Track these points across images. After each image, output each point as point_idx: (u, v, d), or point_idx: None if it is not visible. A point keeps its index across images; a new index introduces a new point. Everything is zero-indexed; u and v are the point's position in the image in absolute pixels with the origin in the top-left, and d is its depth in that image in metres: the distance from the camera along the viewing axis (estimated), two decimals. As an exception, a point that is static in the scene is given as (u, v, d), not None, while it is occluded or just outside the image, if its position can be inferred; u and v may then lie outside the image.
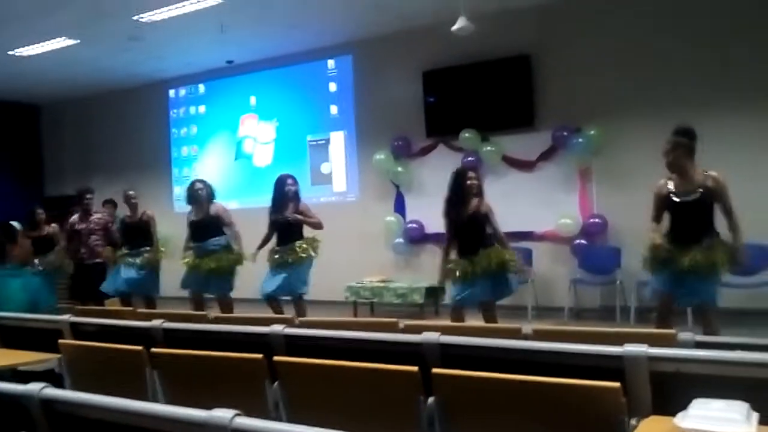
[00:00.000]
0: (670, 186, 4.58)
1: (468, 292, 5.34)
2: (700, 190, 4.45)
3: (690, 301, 4.73)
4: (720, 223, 4.49)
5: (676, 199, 4.55)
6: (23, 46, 8.68)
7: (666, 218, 4.66)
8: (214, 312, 5.57)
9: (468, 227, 5.42)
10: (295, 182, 6.61)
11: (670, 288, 4.57)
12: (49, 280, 6.67)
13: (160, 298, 7.58)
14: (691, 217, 4.52)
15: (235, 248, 6.75)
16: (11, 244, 3.85)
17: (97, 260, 7.58)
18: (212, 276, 6.66)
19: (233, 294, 6.85)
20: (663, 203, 4.63)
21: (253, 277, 6.61)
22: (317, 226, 6.56)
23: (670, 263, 4.54)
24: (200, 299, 6.85)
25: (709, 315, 4.48)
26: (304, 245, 6.47)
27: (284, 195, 6.50)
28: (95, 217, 7.69)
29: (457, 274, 5.39)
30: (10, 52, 8.86)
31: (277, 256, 6.45)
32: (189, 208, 7.05)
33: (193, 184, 7.00)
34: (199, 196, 6.83)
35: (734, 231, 4.42)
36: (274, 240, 6.60)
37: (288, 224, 6.46)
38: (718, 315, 4.50)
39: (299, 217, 6.49)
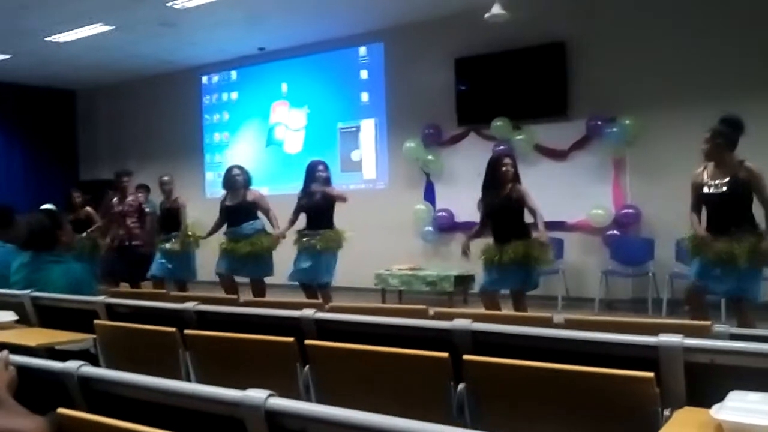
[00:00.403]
0: (705, 175, 4.51)
1: (495, 279, 5.33)
2: (731, 180, 4.36)
3: (720, 292, 4.66)
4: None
5: (707, 190, 4.47)
6: (59, 33, 8.81)
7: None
8: (246, 296, 5.62)
9: (500, 214, 5.40)
10: (326, 169, 6.64)
11: (700, 278, 4.51)
12: (88, 264, 6.78)
13: (195, 282, 7.68)
14: (721, 208, 4.44)
15: (273, 232, 6.81)
16: (59, 230, 3.87)
17: (135, 242, 7.69)
18: (249, 259, 6.74)
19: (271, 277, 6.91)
20: (697, 192, 4.56)
21: (284, 263, 6.67)
22: (341, 197, 6.56)
23: (702, 253, 4.48)
24: (231, 282, 6.91)
25: (744, 308, 4.40)
26: (333, 235, 6.49)
27: (315, 181, 6.53)
28: (129, 199, 7.82)
29: (485, 259, 5.40)
30: (47, 39, 8.99)
31: (305, 239, 6.49)
32: (220, 193, 7.11)
33: (230, 169, 7.07)
34: (237, 182, 6.90)
35: None
36: (300, 224, 6.66)
37: (318, 209, 6.49)
38: (755, 309, 4.42)
39: (327, 190, 6.50)
